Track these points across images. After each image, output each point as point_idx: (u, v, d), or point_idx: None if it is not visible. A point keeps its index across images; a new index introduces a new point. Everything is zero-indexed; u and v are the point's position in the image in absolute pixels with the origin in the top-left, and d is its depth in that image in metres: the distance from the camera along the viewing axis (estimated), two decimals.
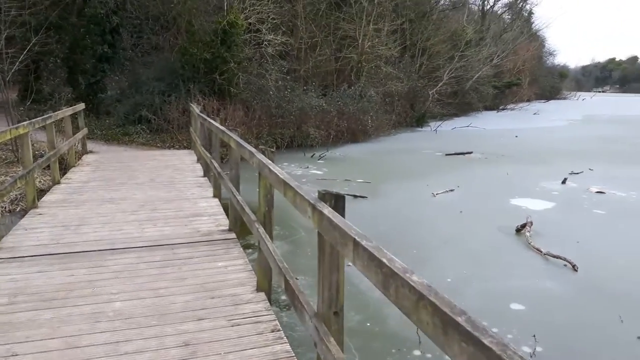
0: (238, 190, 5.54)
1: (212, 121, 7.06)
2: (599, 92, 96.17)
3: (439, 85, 27.67)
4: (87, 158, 10.54)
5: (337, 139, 17.96)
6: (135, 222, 5.90)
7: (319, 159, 15.18)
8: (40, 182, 8.80)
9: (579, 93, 73.17)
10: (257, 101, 16.66)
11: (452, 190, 10.84)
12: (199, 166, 9.49)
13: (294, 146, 16.83)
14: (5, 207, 7.66)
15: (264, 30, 17.67)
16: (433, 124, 25.35)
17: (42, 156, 8.19)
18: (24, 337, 3.31)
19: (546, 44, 59.91)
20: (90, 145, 12.21)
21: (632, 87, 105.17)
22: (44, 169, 8.22)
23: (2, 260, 4.69)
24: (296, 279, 5.86)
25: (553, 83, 60.30)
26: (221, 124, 8.13)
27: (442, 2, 33.88)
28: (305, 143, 17.03)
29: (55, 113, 8.07)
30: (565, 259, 6.66)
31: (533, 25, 49.08)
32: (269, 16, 17.67)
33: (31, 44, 10.57)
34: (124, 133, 14.76)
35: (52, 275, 4.33)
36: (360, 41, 22.37)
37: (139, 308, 3.73)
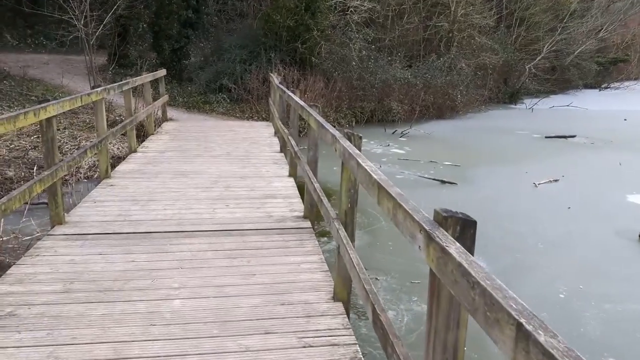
0: (316, 175, 4.90)
1: (291, 94, 6.42)
2: None
3: (537, 59, 25.25)
4: (166, 126, 10.39)
5: (421, 115, 16.78)
6: (207, 201, 5.53)
7: (400, 136, 14.22)
8: (118, 148, 8.72)
9: None
10: (338, 72, 15.89)
11: (556, 181, 9.53)
12: (276, 140, 9.00)
13: (374, 121, 15.95)
14: (82, 174, 7.59)
15: None
16: (528, 102, 23.25)
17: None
18: (71, 337, 2.94)
19: None
20: (171, 113, 12.13)
21: None
22: (123, 134, 8.07)
23: (67, 236, 4.45)
24: (376, 279, 5.21)
25: None
26: (300, 96, 7.50)
27: None
28: (387, 118, 16.12)
29: (134, 79, 7.84)
30: None
31: None
32: None
33: (116, 5, 10.44)
34: (204, 101, 14.64)
35: (112, 260, 3.99)
36: (452, 8, 20.70)
37: (199, 310, 3.27)
